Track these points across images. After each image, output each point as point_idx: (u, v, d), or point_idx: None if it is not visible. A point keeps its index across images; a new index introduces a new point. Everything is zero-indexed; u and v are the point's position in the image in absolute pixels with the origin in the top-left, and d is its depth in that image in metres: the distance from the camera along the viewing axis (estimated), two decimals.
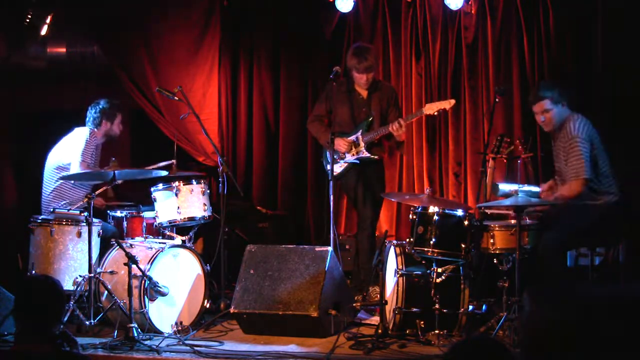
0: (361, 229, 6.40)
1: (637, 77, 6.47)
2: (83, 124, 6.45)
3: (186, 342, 5.23)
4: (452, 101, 6.23)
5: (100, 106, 6.42)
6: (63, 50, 7.84)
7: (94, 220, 5.72)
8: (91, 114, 6.43)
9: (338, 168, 6.34)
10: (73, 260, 5.82)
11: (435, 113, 6.21)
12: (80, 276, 5.66)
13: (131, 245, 5.76)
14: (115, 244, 5.63)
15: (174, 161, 6.42)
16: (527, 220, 5.38)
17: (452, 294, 5.27)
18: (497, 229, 5.27)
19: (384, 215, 7.60)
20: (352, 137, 6.32)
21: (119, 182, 5.88)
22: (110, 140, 6.58)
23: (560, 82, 5.63)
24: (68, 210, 5.98)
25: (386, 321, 5.30)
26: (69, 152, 6.27)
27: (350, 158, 6.31)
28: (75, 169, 6.18)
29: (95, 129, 6.41)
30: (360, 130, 6.31)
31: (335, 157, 6.31)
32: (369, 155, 6.30)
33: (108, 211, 6.41)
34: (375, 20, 7.63)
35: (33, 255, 5.85)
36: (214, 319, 5.78)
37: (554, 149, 5.62)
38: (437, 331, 5.15)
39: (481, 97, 7.33)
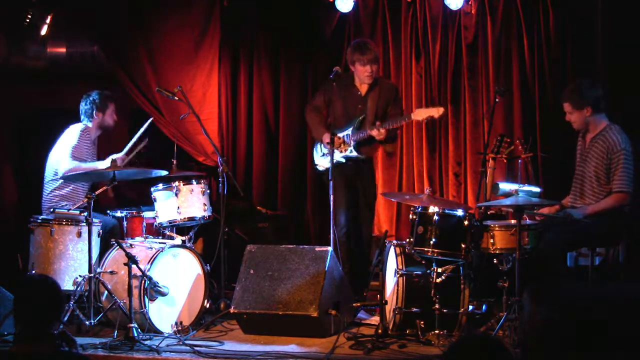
0: (359, 230, 6.39)
1: (637, 77, 6.47)
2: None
3: (186, 342, 5.23)
4: (441, 109, 6.07)
5: (91, 98, 6.41)
6: (63, 50, 7.83)
7: (94, 220, 5.72)
8: (83, 107, 6.43)
9: (326, 164, 6.33)
10: (73, 260, 5.82)
11: (425, 120, 6.12)
12: (80, 276, 5.66)
13: (131, 245, 5.76)
14: (115, 244, 5.63)
15: (147, 139, 6.44)
16: (527, 220, 5.38)
17: (452, 294, 5.28)
18: (497, 229, 5.27)
19: (384, 215, 7.61)
20: (343, 135, 6.29)
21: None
22: (105, 132, 6.57)
23: (590, 87, 5.47)
24: (68, 210, 5.98)
25: (386, 321, 5.30)
26: (61, 149, 6.29)
27: (337, 156, 6.26)
28: (65, 165, 6.18)
29: (89, 124, 6.41)
30: (351, 128, 6.27)
31: (324, 152, 6.32)
32: (356, 154, 6.27)
33: (108, 211, 6.41)
34: (375, 20, 7.63)
35: (33, 255, 5.85)
36: (214, 319, 5.78)
37: (580, 151, 5.58)
38: (437, 331, 5.15)
39: (481, 97, 7.33)
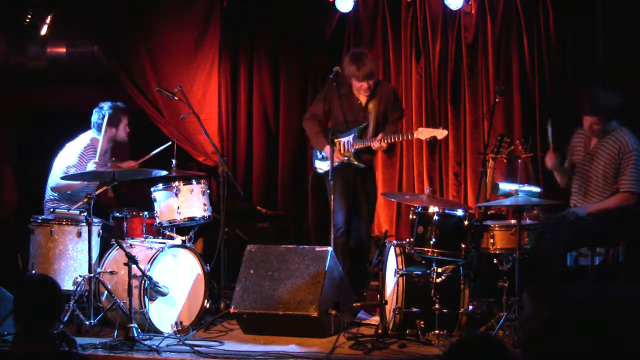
0: (359, 230, 6.39)
1: (637, 77, 6.47)
2: (83, 124, 6.44)
3: (186, 342, 5.23)
4: (445, 131, 6.09)
5: (104, 112, 6.32)
6: (63, 50, 7.83)
7: (94, 220, 5.72)
8: (95, 119, 6.36)
9: (326, 167, 6.32)
10: (73, 260, 5.82)
11: (428, 139, 6.09)
12: (80, 276, 5.66)
13: (131, 245, 5.76)
14: (115, 244, 5.63)
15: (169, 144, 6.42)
16: (527, 220, 5.38)
17: (452, 294, 5.27)
18: (497, 229, 5.27)
19: (384, 215, 7.61)
20: (344, 140, 6.28)
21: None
22: (117, 144, 6.55)
23: (614, 95, 5.47)
24: (68, 210, 5.97)
25: (386, 321, 5.30)
26: (62, 163, 6.26)
27: (336, 162, 6.25)
28: (54, 184, 6.18)
29: (98, 137, 6.36)
30: (353, 134, 6.26)
31: (322, 155, 6.31)
32: (356, 162, 6.26)
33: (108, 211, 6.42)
34: (375, 20, 7.63)
35: (33, 255, 5.84)
36: (214, 319, 5.79)
37: (585, 150, 5.54)
38: (437, 331, 5.15)
39: (481, 97, 7.33)
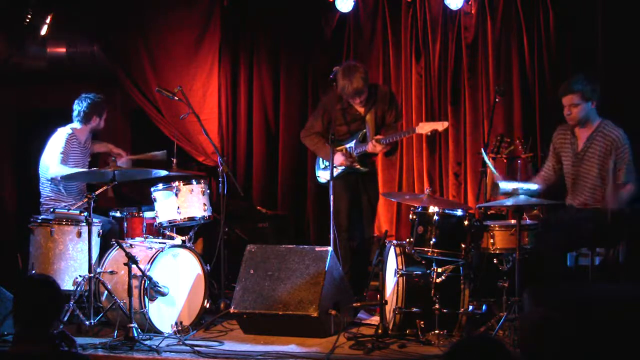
0: (361, 231, 6.40)
1: (637, 78, 6.47)
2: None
3: (186, 342, 5.24)
4: (446, 123, 6.17)
5: (91, 101, 6.37)
6: (63, 50, 7.83)
7: (94, 220, 5.72)
8: (81, 108, 6.37)
9: (328, 176, 6.31)
10: (73, 260, 5.82)
11: (429, 133, 6.13)
12: (80, 276, 5.66)
13: (131, 245, 5.76)
14: (115, 244, 5.63)
15: (165, 151, 6.41)
16: (527, 220, 5.38)
17: (452, 294, 5.28)
18: (497, 229, 5.27)
19: (384, 215, 7.61)
20: (347, 146, 6.30)
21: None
22: (95, 135, 6.57)
23: (594, 79, 5.46)
24: (68, 210, 5.98)
25: (386, 321, 5.30)
26: (49, 155, 6.27)
27: (340, 168, 6.28)
28: (54, 170, 6.18)
29: (78, 126, 6.38)
30: (355, 140, 6.28)
31: (325, 164, 6.32)
32: (358, 167, 6.29)
33: (110, 213, 6.42)
34: (375, 20, 7.63)
35: (33, 255, 5.85)
36: (214, 319, 5.79)
37: (572, 151, 5.52)
38: (437, 331, 5.15)
39: (481, 97, 7.32)
